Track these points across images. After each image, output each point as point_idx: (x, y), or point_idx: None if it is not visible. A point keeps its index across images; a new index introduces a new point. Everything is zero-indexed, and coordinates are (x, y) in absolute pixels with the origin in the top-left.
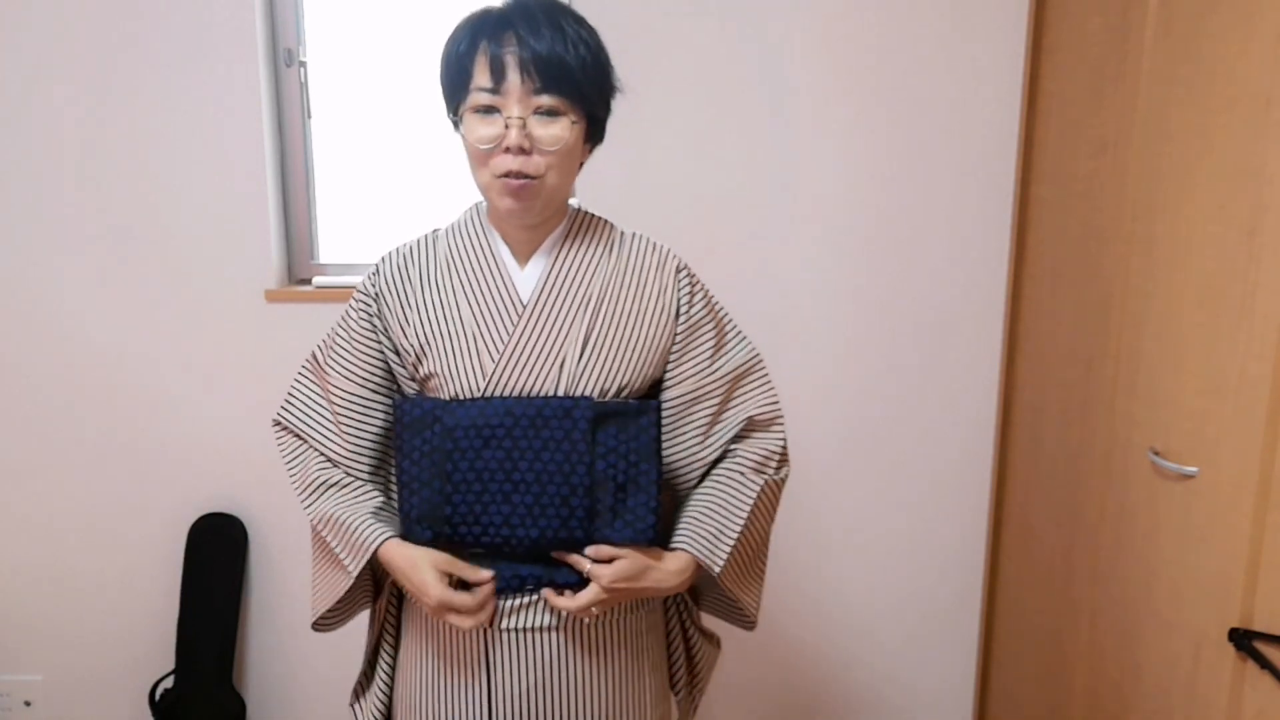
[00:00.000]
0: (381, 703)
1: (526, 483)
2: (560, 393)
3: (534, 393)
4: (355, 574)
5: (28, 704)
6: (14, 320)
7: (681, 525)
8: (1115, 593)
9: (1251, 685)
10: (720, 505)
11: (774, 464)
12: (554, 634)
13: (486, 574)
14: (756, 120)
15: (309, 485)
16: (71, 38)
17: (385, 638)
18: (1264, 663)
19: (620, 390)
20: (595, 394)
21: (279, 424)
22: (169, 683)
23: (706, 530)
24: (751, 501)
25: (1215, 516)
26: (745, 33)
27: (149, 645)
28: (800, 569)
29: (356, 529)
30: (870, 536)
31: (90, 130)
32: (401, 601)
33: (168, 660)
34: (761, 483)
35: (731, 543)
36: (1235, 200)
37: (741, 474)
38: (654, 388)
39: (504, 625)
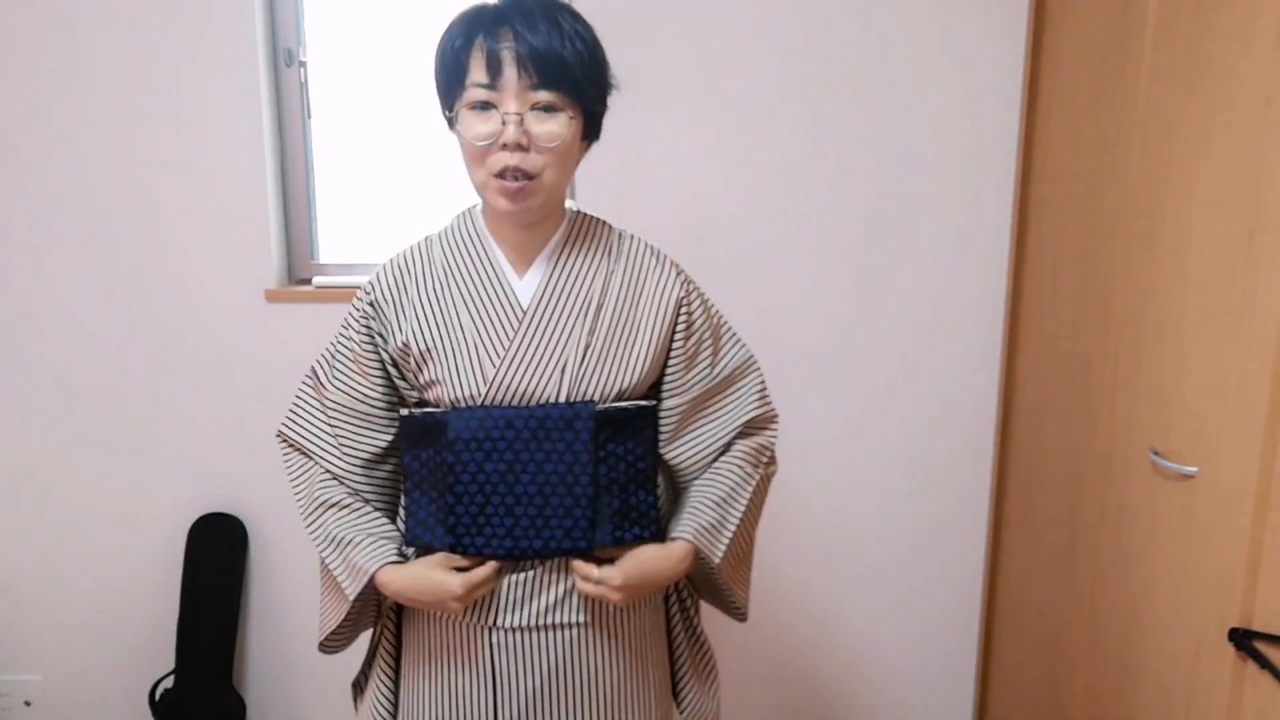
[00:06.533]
0: (385, 704)
1: (529, 495)
2: (562, 398)
3: (536, 398)
4: (352, 598)
5: (28, 704)
6: (14, 319)
7: (684, 516)
8: (1115, 593)
9: (1251, 685)
10: (720, 498)
11: (766, 459)
12: (557, 634)
13: (491, 568)
14: (755, 120)
15: (312, 503)
16: (71, 38)
17: (384, 645)
18: (1264, 663)
19: (621, 393)
20: (597, 398)
21: (282, 438)
22: (169, 683)
23: (707, 520)
24: (749, 495)
25: (1215, 516)
26: (744, 32)
27: (149, 645)
28: (800, 568)
29: (354, 551)
30: (870, 536)
31: (90, 130)
32: (400, 611)
33: (168, 660)
34: (758, 478)
35: (730, 534)
36: (1235, 199)
37: (740, 469)
38: (652, 389)
39: (508, 624)
